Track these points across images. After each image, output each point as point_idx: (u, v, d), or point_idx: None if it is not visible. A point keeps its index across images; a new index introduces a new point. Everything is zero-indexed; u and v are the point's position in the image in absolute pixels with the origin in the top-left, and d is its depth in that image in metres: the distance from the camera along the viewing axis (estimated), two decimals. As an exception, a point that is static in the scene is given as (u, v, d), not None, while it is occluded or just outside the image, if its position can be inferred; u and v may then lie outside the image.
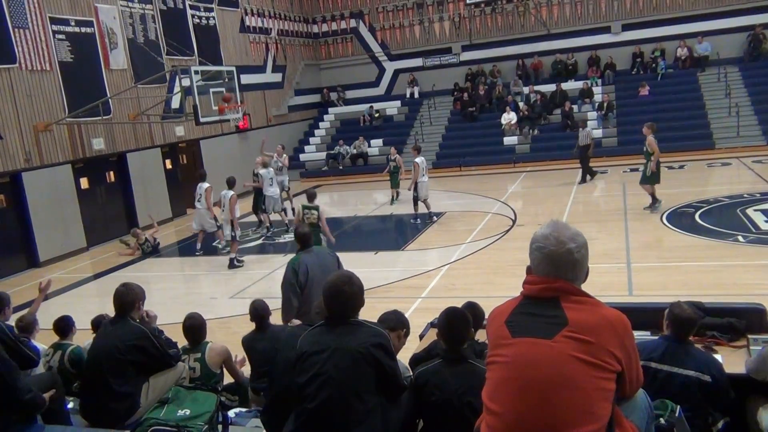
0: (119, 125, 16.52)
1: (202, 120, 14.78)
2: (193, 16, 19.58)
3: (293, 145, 25.53)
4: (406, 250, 12.53)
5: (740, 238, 10.48)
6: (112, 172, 16.75)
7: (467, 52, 25.60)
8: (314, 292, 5.65)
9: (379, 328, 3.41)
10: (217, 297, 10.47)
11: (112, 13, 16.49)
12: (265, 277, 11.25)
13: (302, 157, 24.99)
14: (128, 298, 4.62)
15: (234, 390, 5.28)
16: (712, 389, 3.64)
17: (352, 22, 26.96)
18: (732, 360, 4.23)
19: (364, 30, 26.90)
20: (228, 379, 5.16)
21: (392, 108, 26.11)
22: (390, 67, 26.92)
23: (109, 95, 15.84)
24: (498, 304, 2.51)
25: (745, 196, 13.40)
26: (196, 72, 14.84)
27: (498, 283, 9.48)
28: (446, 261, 11.10)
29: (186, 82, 14.96)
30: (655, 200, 12.81)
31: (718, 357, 4.27)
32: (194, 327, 4.99)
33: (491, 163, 21.62)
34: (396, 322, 4.30)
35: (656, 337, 3.83)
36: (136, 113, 16.73)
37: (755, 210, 11.95)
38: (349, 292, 3.36)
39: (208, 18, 20.33)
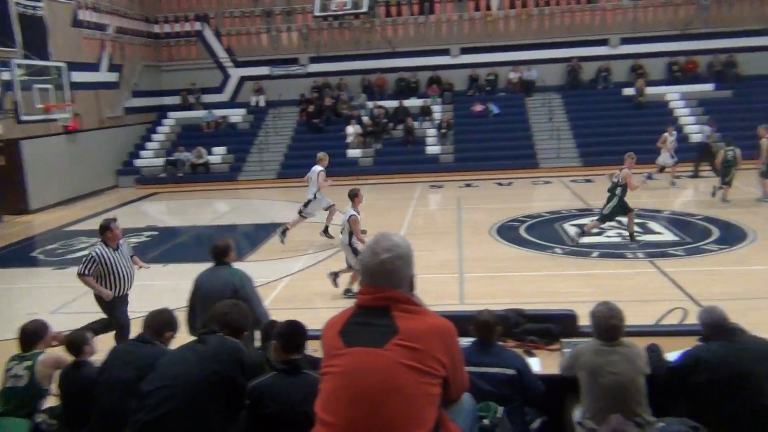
0: None
1: (23, 118, 13.65)
2: (17, 3, 17.89)
3: (129, 150, 24.14)
4: (247, 261, 12.29)
5: (558, 250, 11.48)
6: None
7: (315, 64, 25.75)
8: (198, 309, 5.70)
9: (238, 343, 3.43)
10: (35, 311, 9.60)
11: None
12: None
13: (137, 162, 23.65)
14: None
15: (56, 414, 4.88)
16: (518, 381, 3.95)
17: (197, 25, 26.09)
18: (548, 362, 4.53)
19: (209, 34, 26.14)
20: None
21: (237, 116, 25.58)
22: (235, 73, 26.37)
23: None
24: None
25: (563, 212, 14.71)
26: (19, 66, 13.70)
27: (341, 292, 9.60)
28: (289, 272, 11.06)
29: (6, 76, 13.73)
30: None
31: (535, 360, 4.63)
32: (26, 331, 4.72)
33: (335, 174, 21.75)
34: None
35: (468, 343, 4.15)
36: (-56, 107, 15.02)
37: (571, 225, 13.12)
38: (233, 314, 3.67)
39: (35, 7, 18.65)
